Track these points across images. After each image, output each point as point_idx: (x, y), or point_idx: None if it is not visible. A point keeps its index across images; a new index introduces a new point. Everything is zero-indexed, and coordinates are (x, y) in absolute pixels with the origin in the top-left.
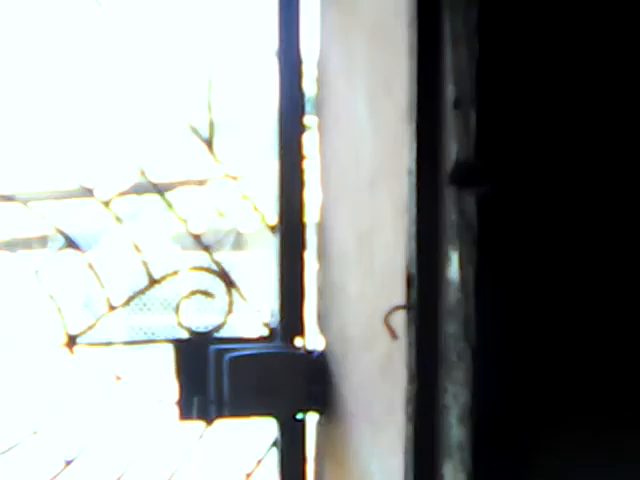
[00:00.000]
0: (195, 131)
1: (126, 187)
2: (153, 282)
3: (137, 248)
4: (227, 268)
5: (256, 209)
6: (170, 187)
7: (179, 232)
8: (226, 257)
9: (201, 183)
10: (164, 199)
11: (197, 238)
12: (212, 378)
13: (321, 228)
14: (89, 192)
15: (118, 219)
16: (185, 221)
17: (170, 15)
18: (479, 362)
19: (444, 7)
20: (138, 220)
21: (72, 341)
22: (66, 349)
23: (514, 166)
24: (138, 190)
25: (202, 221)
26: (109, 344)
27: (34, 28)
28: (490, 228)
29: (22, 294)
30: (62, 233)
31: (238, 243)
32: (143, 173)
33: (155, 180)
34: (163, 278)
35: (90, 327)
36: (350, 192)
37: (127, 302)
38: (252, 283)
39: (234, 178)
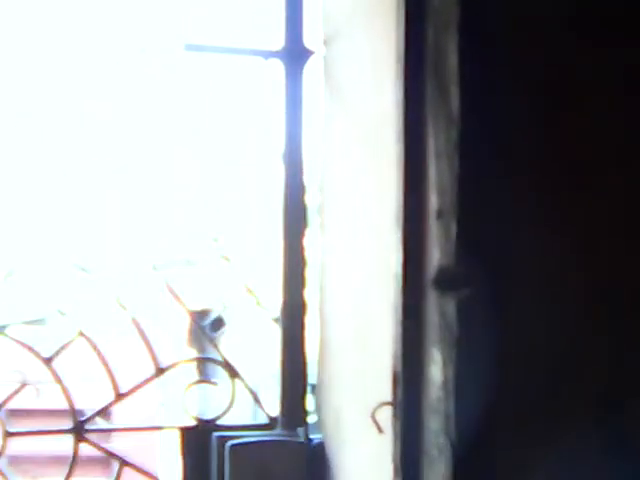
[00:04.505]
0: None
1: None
2: (160, 371)
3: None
4: (229, 356)
5: (250, 291)
6: (167, 267)
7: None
8: (227, 341)
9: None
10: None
11: (202, 329)
12: (214, 465)
13: (321, 321)
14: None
15: (122, 306)
16: (189, 310)
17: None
18: (458, 457)
19: (428, 124)
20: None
21: (81, 429)
22: (74, 436)
23: (491, 272)
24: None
25: (201, 304)
26: (119, 430)
27: None
28: (469, 330)
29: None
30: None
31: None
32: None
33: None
34: (168, 368)
35: (97, 414)
36: (347, 289)
37: (133, 391)
38: (254, 370)
39: (228, 259)
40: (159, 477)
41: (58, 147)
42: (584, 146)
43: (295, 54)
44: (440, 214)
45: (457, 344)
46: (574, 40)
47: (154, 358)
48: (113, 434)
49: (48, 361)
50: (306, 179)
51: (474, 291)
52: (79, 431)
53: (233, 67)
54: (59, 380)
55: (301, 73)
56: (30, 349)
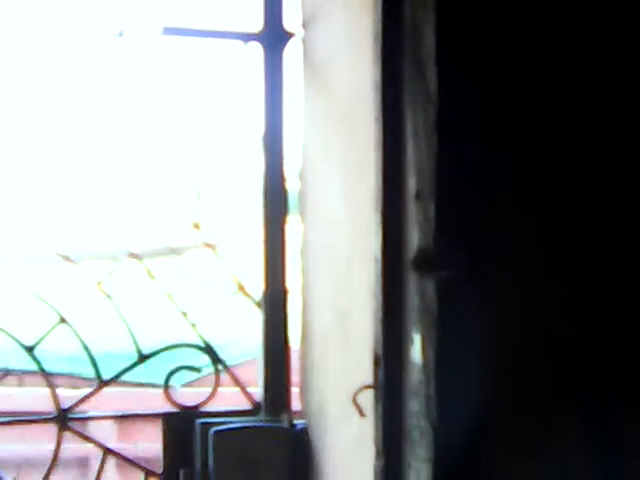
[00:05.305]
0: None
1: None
2: (142, 358)
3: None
4: (212, 341)
5: (234, 278)
6: (150, 255)
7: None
8: (210, 327)
9: (180, 252)
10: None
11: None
12: (198, 451)
13: (303, 306)
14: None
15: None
16: (170, 295)
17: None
18: (439, 440)
19: (406, 104)
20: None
21: (64, 417)
22: (57, 425)
23: (471, 253)
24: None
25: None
26: (102, 418)
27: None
28: (449, 311)
29: None
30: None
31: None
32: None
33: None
34: (151, 355)
35: (80, 401)
36: (328, 273)
37: (116, 377)
38: (237, 354)
39: (212, 247)
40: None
41: (37, 136)
42: (565, 125)
43: (274, 37)
44: (418, 195)
45: (437, 326)
46: (554, 19)
47: (136, 345)
48: None
49: (30, 349)
50: (286, 164)
51: (454, 272)
52: (62, 419)
53: (212, 50)
54: (41, 368)
55: (281, 56)
56: (12, 337)
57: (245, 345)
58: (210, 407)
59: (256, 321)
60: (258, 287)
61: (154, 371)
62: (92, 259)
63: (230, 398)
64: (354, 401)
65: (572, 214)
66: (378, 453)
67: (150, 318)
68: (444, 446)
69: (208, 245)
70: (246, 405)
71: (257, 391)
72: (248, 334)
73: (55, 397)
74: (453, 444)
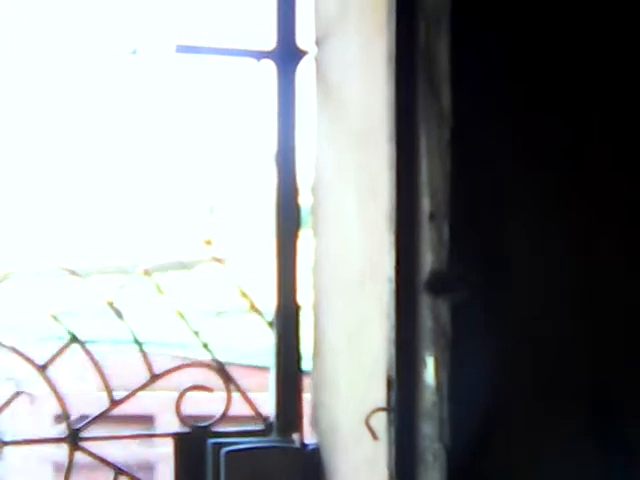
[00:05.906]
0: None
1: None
2: (154, 377)
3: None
4: (223, 359)
5: (244, 295)
6: (160, 269)
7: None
8: (222, 346)
9: (190, 267)
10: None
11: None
12: (209, 471)
13: (315, 323)
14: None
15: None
16: (182, 314)
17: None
18: (453, 462)
19: (420, 123)
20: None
21: (76, 437)
22: (69, 444)
23: (486, 275)
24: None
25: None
26: (114, 438)
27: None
28: (463, 333)
29: None
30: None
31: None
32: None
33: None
34: (163, 374)
35: (92, 421)
36: (340, 291)
37: (127, 398)
38: (248, 373)
39: (221, 261)
40: None
41: (50, 151)
42: (582, 143)
43: (288, 55)
44: (432, 216)
45: (451, 348)
46: (568, 33)
47: (148, 364)
48: None
49: (42, 368)
50: (299, 180)
51: (468, 294)
52: (74, 439)
53: (225, 68)
54: (53, 387)
55: (294, 74)
56: (24, 356)
57: (256, 363)
58: (221, 426)
59: (267, 338)
60: (270, 303)
61: None
62: (102, 273)
63: (242, 416)
64: (367, 424)
65: (592, 234)
66: (391, 476)
67: (161, 335)
68: (457, 469)
69: (217, 259)
70: (258, 425)
71: (269, 411)
72: (259, 351)
73: (67, 417)
74: (466, 467)
